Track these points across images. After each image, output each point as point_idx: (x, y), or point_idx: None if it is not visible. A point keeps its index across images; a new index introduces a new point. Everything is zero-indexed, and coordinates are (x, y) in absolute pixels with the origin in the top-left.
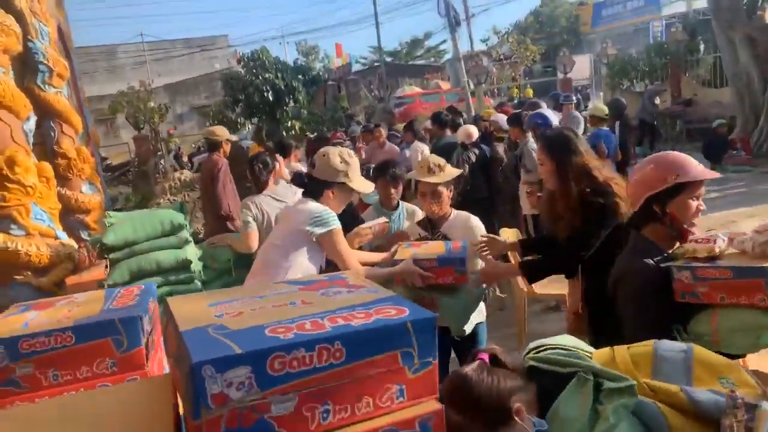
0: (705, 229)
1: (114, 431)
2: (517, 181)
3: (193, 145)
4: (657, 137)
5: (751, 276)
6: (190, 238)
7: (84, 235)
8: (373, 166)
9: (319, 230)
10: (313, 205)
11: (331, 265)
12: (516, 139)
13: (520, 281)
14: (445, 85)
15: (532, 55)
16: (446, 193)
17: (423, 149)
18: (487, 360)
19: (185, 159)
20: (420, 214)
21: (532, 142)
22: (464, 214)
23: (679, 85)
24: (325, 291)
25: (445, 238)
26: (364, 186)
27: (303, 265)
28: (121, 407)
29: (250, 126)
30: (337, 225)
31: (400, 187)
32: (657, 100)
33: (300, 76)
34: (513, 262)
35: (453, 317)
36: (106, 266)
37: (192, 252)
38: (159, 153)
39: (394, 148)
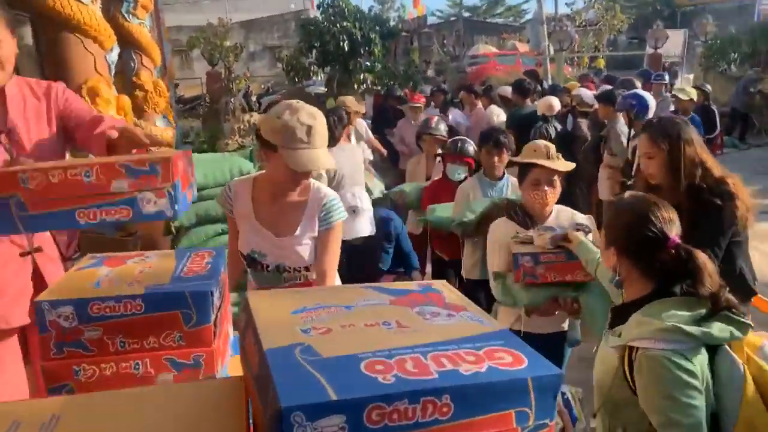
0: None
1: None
2: (597, 162)
3: (263, 86)
4: (749, 128)
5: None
6: None
7: None
8: (452, 140)
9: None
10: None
11: None
12: (605, 118)
13: None
14: (523, 47)
15: (620, 24)
16: (559, 185)
17: (499, 114)
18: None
19: (254, 99)
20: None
21: (622, 124)
22: (567, 209)
23: None
24: (421, 309)
25: None
26: (322, 161)
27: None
28: (195, 404)
29: (322, 75)
30: (343, 217)
31: (506, 156)
32: (753, 89)
33: (377, 27)
34: None
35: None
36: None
37: None
38: (230, 92)
39: (480, 112)
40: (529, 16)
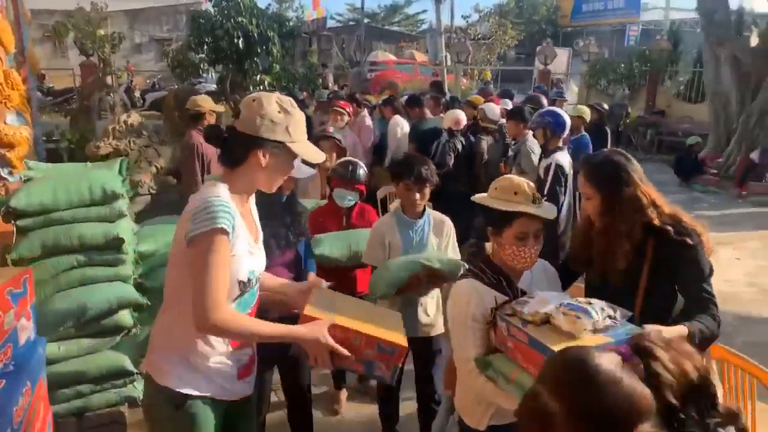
0: None
1: None
2: None
3: (148, 81)
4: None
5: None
6: (126, 211)
7: (4, 173)
8: (391, 160)
9: (195, 231)
10: (199, 198)
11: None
12: (515, 135)
13: None
14: (420, 57)
15: (510, 40)
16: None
17: (403, 126)
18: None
19: (137, 95)
20: (448, 227)
21: (532, 141)
22: (540, 261)
23: (655, 94)
24: None
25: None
26: (312, 152)
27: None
28: None
29: (214, 73)
30: (220, 224)
31: (427, 191)
32: (622, 111)
33: (276, 25)
34: None
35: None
36: (13, 232)
37: (126, 229)
38: (109, 86)
39: (365, 123)
40: (425, 26)
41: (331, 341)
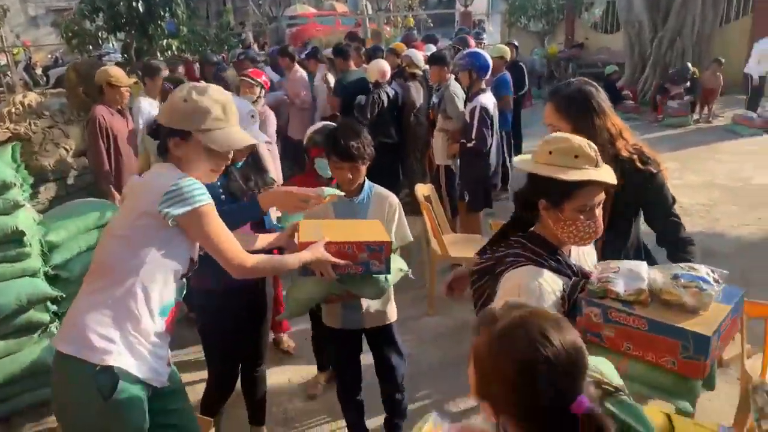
0: None
1: None
2: (430, 127)
3: (50, 56)
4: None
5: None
6: (23, 201)
7: None
8: (315, 129)
9: (176, 210)
10: (167, 175)
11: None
12: (437, 81)
13: (436, 244)
14: (341, 8)
15: None
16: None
17: (331, 80)
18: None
19: (39, 72)
20: (392, 204)
21: (455, 86)
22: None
23: (573, 28)
24: None
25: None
26: (229, 140)
27: (160, 263)
28: None
29: (114, 42)
30: (203, 201)
31: (363, 168)
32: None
33: None
34: (429, 222)
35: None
36: None
37: (26, 219)
38: (1, 65)
39: (298, 75)
40: None
41: (329, 256)
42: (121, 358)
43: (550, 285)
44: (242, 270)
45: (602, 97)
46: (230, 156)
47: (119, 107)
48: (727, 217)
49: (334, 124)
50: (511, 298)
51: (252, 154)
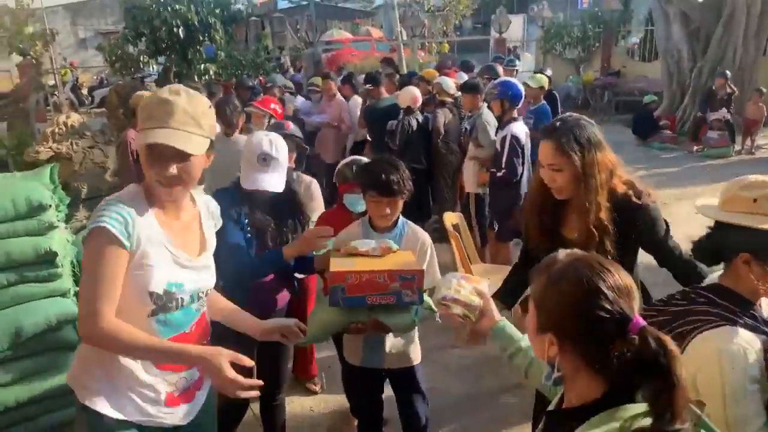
0: None
1: None
2: (461, 154)
3: (95, 77)
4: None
5: None
6: (58, 222)
7: None
8: (345, 163)
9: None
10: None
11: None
12: (470, 109)
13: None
14: (377, 33)
15: (465, 10)
16: None
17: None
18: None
19: (84, 91)
20: (426, 244)
21: (488, 114)
22: None
23: (610, 55)
24: None
25: None
26: (155, 136)
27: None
28: None
29: (155, 66)
30: (99, 222)
31: (400, 203)
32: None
33: (218, 11)
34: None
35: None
36: None
37: (59, 240)
38: (50, 86)
39: (342, 103)
40: (380, 2)
41: (230, 372)
42: (97, 400)
43: (752, 346)
44: (88, 327)
45: (598, 131)
46: (171, 170)
47: None
48: None
49: (363, 158)
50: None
51: (288, 192)
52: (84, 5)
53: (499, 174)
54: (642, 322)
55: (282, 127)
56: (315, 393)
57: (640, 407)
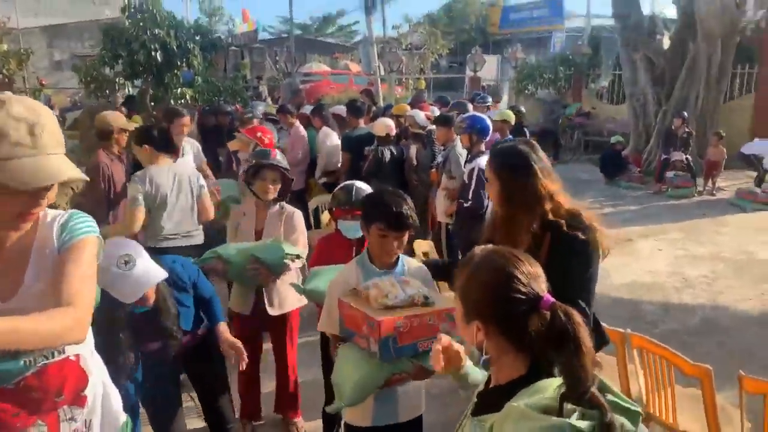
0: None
1: None
2: (431, 184)
3: (69, 99)
4: (558, 147)
5: None
6: None
7: None
8: (360, 196)
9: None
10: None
11: None
12: (443, 141)
13: None
14: (355, 68)
15: (441, 49)
16: None
17: (330, 135)
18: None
19: (56, 113)
20: (428, 278)
21: (459, 147)
22: None
23: (580, 97)
24: None
25: None
26: (59, 170)
27: None
28: None
29: (131, 88)
30: (93, 232)
31: (406, 237)
32: (556, 111)
33: (197, 37)
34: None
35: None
36: None
37: None
38: None
39: (300, 133)
40: (359, 38)
41: None
42: None
43: None
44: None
45: (535, 158)
46: (44, 198)
47: (118, 152)
48: (731, 290)
49: (359, 183)
50: None
51: (159, 299)
52: (62, 28)
53: (466, 205)
54: (551, 299)
55: (267, 155)
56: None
57: (559, 380)
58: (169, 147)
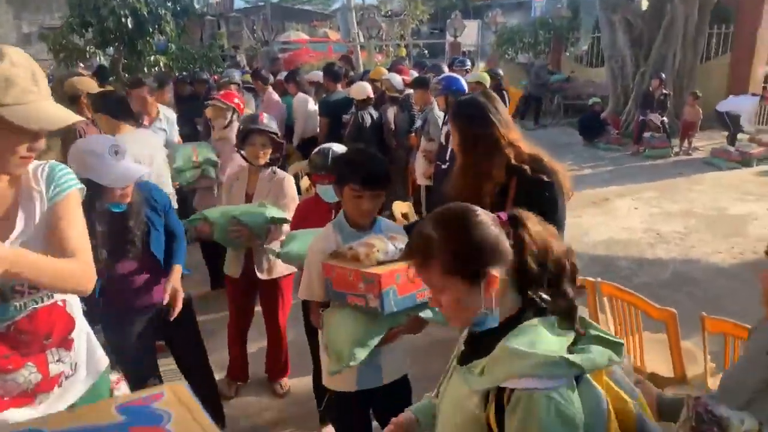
0: (580, 205)
1: None
2: (409, 149)
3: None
4: (540, 111)
5: None
6: None
7: None
8: (334, 155)
9: (58, 197)
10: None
11: None
12: (421, 104)
13: None
14: (334, 36)
15: (422, 14)
16: None
17: (308, 101)
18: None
19: None
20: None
21: (437, 109)
22: None
23: (560, 61)
24: None
25: None
26: (64, 115)
27: None
28: None
29: (102, 57)
30: (77, 185)
31: (383, 198)
32: (542, 75)
33: (168, 3)
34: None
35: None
36: None
37: None
38: None
39: (273, 99)
40: (337, 5)
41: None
42: None
43: None
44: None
45: (493, 109)
46: (41, 141)
47: (90, 117)
48: (702, 244)
49: (336, 145)
50: None
51: (131, 205)
52: (27, 0)
53: (444, 167)
54: (503, 215)
55: (256, 120)
56: (280, 396)
57: (546, 319)
58: (128, 114)
